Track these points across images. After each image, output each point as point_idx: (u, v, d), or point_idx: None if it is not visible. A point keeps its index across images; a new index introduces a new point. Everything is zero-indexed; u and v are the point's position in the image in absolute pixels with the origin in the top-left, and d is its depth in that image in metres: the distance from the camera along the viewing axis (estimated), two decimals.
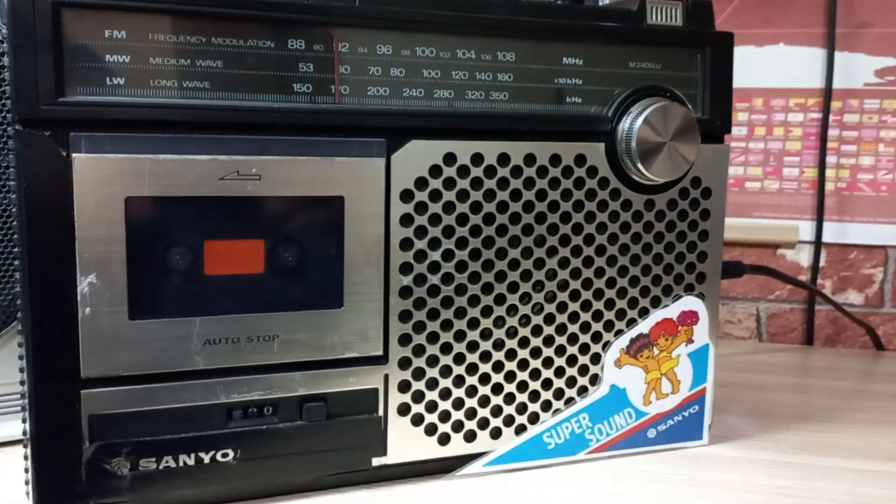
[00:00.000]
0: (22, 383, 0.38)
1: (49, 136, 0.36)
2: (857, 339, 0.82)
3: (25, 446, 0.38)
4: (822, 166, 0.79)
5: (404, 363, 0.43)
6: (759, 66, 0.80)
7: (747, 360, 0.75)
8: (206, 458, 0.40)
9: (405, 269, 0.42)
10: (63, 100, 0.36)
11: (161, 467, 0.39)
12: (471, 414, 0.45)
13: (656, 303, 0.48)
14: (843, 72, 0.78)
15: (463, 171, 0.43)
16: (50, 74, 0.35)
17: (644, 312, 0.48)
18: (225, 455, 0.40)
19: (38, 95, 0.35)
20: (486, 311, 0.44)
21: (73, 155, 0.36)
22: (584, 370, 0.47)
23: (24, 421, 0.38)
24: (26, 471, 0.38)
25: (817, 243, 0.80)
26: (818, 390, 0.66)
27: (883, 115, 0.78)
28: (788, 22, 0.79)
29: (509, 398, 0.46)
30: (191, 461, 0.40)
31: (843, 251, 0.81)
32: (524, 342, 0.45)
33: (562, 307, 0.46)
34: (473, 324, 0.44)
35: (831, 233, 0.80)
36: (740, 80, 0.79)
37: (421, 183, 0.42)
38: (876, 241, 0.80)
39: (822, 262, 0.81)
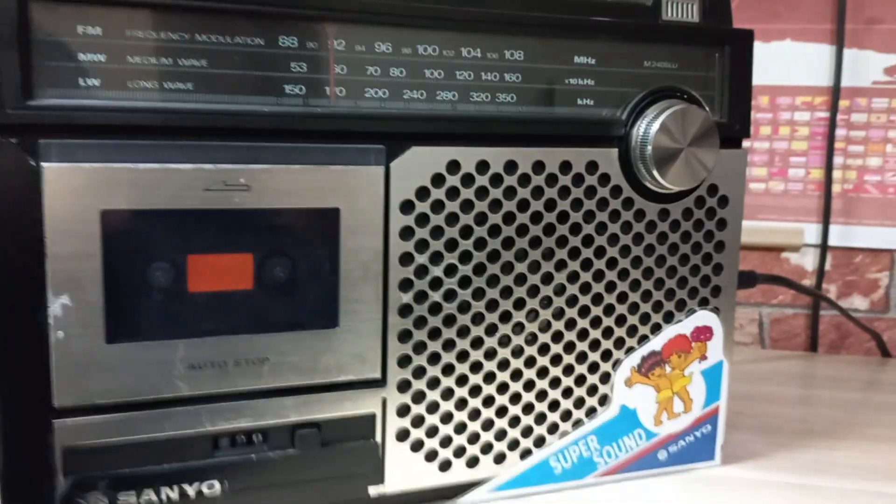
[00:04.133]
0: None
1: (16, 143, 0.32)
2: (862, 346, 0.80)
3: None
4: (828, 167, 0.77)
5: (403, 386, 0.40)
6: (765, 62, 0.77)
7: (751, 369, 0.73)
8: (191, 491, 0.37)
9: (405, 285, 0.39)
10: (31, 103, 0.32)
11: (142, 501, 0.36)
12: (474, 438, 0.42)
13: (669, 318, 0.45)
14: (851, 69, 0.76)
15: (468, 180, 0.40)
16: (16, 75, 0.32)
17: (656, 329, 0.45)
18: (211, 487, 0.37)
19: (4, 98, 0.32)
20: (491, 330, 0.41)
21: (43, 164, 0.33)
22: (592, 390, 0.44)
23: None
24: None
25: (823, 247, 0.78)
26: (827, 402, 0.64)
27: (891, 115, 0.76)
28: (796, 17, 0.76)
29: (514, 421, 0.43)
30: (174, 495, 0.36)
31: (848, 255, 0.79)
32: (530, 362, 0.43)
33: (570, 324, 0.43)
34: (477, 343, 0.41)
35: (836, 236, 0.78)
36: None
37: (422, 193, 0.39)
38: (882, 245, 0.77)
39: (826, 266, 0.79)
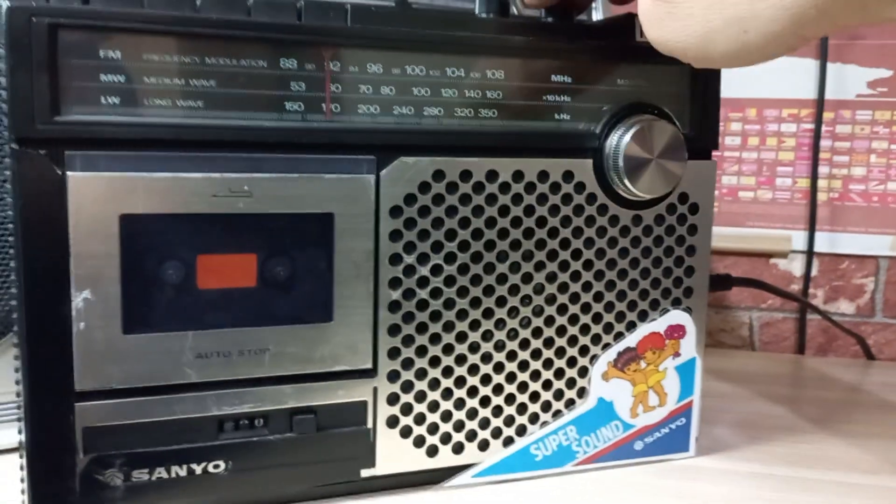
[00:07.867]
0: (18, 395, 0.39)
1: (44, 154, 0.36)
2: (849, 349, 0.82)
3: (21, 456, 0.39)
4: (814, 177, 0.80)
5: (393, 376, 0.44)
6: (753, 76, 0.80)
7: (739, 370, 0.76)
8: (198, 470, 0.41)
9: (394, 283, 0.43)
10: (59, 119, 0.36)
11: (154, 478, 0.40)
12: (459, 426, 0.46)
13: (644, 317, 0.49)
14: (835, 83, 0.79)
15: (452, 188, 0.43)
16: (46, 94, 0.36)
17: (631, 326, 0.48)
18: (216, 466, 0.41)
19: (35, 114, 0.36)
20: (474, 325, 0.45)
21: (68, 173, 0.37)
22: (571, 383, 0.48)
23: (19, 432, 0.39)
24: (22, 480, 0.39)
25: (809, 253, 0.81)
26: (808, 401, 0.66)
27: (875, 127, 0.79)
28: None
29: (497, 410, 0.46)
30: (183, 472, 0.40)
31: (834, 261, 0.81)
32: (512, 355, 0.46)
33: (549, 321, 0.46)
34: (461, 337, 0.45)
35: (823, 243, 0.81)
36: (735, 90, 0.80)
37: (410, 199, 0.43)
38: (867, 252, 0.80)
39: (814, 272, 0.82)
